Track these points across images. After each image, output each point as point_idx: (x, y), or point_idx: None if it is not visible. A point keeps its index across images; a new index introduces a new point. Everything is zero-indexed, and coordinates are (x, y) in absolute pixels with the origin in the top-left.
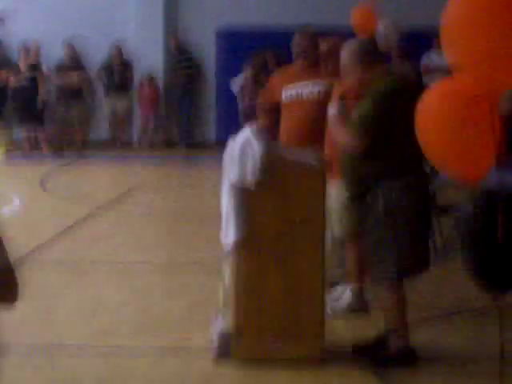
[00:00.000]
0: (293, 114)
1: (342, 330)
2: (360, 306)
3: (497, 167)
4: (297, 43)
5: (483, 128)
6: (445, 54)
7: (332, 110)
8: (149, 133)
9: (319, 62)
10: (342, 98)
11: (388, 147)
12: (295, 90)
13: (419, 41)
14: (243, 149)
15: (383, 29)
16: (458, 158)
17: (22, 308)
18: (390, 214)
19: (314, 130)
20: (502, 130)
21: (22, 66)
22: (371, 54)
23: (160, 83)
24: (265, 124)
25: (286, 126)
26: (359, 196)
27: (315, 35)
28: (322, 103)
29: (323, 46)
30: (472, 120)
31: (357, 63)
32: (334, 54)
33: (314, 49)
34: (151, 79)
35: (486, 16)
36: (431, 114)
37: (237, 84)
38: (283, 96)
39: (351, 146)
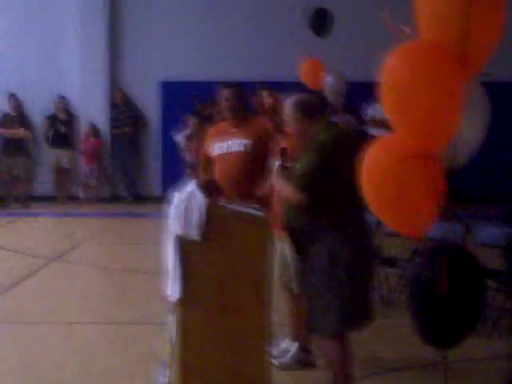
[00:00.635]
0: (220, 167)
1: (295, 382)
2: (306, 361)
3: (441, 219)
4: (224, 98)
5: (425, 183)
6: (383, 110)
7: (274, 163)
8: (93, 185)
9: (245, 114)
10: (283, 151)
11: (328, 199)
12: (222, 143)
13: (364, 93)
14: (188, 201)
15: (329, 81)
16: (400, 214)
17: None
18: (330, 267)
19: (241, 182)
20: (445, 182)
21: None
22: (312, 107)
23: (105, 135)
24: (206, 177)
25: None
26: (302, 248)
27: (241, 90)
28: (248, 156)
29: (269, 100)
30: (413, 175)
31: (297, 117)
32: (279, 107)
33: (241, 104)
34: (94, 131)
35: (423, 74)
36: (373, 168)
37: (180, 134)
38: (213, 150)
39: (292, 199)
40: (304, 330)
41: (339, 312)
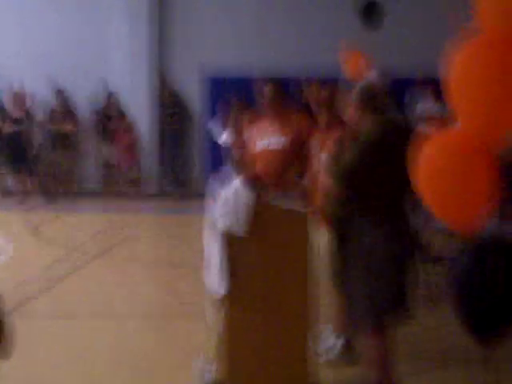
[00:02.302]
0: (261, 163)
1: (332, 379)
2: (349, 356)
3: (495, 217)
4: (264, 94)
5: (483, 179)
6: (448, 103)
7: (323, 157)
8: (135, 180)
9: (285, 111)
10: (340, 141)
11: (369, 195)
12: (263, 140)
13: (408, 88)
14: (234, 198)
15: (372, 77)
16: (455, 209)
17: (10, 360)
18: (367, 263)
19: (280, 179)
20: (502, 180)
21: (17, 112)
22: (373, 98)
23: (151, 131)
24: (251, 173)
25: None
26: (341, 243)
27: (281, 86)
28: (286, 153)
29: (323, 93)
30: (472, 171)
31: (357, 104)
32: (335, 99)
33: (281, 101)
34: (132, 126)
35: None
36: (431, 162)
37: (219, 129)
38: (255, 146)
39: (332, 190)
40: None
41: (374, 309)
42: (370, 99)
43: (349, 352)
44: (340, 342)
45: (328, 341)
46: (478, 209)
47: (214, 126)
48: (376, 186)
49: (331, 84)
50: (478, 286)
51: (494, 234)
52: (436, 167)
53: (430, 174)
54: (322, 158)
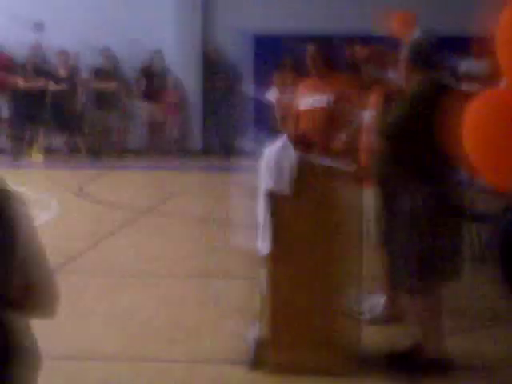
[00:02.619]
0: (305, 122)
1: (377, 339)
2: (394, 315)
3: None
4: (309, 53)
5: None
6: (494, 61)
7: (366, 115)
8: (176, 137)
9: (330, 70)
10: (388, 98)
11: (415, 153)
12: (307, 99)
13: (454, 47)
14: (279, 156)
15: (419, 36)
16: (500, 166)
17: (58, 316)
18: (412, 222)
19: (325, 137)
20: None
21: (61, 71)
22: (423, 56)
23: (195, 90)
24: (296, 131)
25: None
26: (387, 202)
27: (324, 45)
28: (331, 112)
29: (363, 52)
30: None
31: (407, 61)
32: (372, 60)
33: (324, 61)
34: (176, 83)
35: None
36: (477, 121)
37: (272, 92)
38: (300, 104)
39: (378, 147)
40: (392, 285)
41: (419, 268)
42: (420, 57)
43: (392, 310)
44: (382, 300)
45: (372, 300)
46: None
47: (258, 86)
48: (423, 145)
49: (372, 43)
50: None
51: None
52: (483, 125)
53: (476, 132)
54: (364, 115)
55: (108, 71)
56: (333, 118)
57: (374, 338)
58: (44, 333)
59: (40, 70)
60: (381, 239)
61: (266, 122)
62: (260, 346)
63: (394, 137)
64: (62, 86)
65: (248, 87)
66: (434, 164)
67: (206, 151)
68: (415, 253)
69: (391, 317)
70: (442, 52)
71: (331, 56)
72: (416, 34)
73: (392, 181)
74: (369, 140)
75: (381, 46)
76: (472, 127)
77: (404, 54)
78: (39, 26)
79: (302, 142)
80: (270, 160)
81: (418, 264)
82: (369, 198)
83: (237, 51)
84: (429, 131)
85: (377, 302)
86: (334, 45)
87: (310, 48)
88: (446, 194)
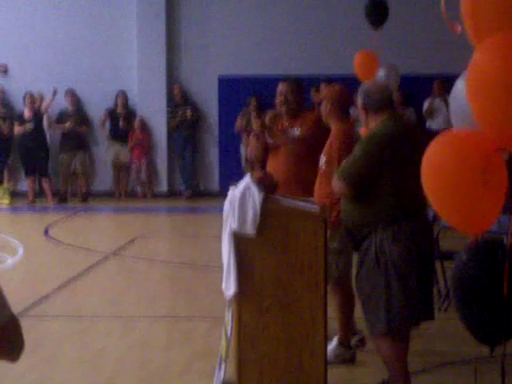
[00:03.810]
0: (272, 162)
1: (344, 380)
2: (346, 356)
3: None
4: (279, 92)
5: (496, 181)
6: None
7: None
8: (144, 180)
9: (301, 108)
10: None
11: (378, 194)
12: (275, 137)
13: (419, 86)
14: (244, 197)
15: (384, 74)
16: (464, 212)
17: (22, 361)
18: (378, 265)
19: (293, 177)
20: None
21: (27, 114)
22: (375, 99)
23: (162, 132)
24: (261, 172)
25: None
26: (356, 243)
27: (296, 84)
28: (299, 152)
29: (315, 96)
30: (487, 173)
31: (361, 106)
32: (328, 99)
33: (294, 97)
34: (142, 124)
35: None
36: (438, 162)
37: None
38: (266, 144)
39: (339, 191)
40: (345, 324)
41: (387, 311)
42: (370, 102)
43: (343, 351)
44: (336, 343)
45: (333, 342)
46: (487, 213)
47: (222, 126)
48: (387, 185)
49: (336, 83)
50: (477, 287)
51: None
52: (444, 167)
53: (437, 173)
54: (322, 159)
55: (73, 113)
56: (301, 159)
57: (340, 378)
58: (9, 379)
59: (5, 113)
60: (343, 281)
61: (232, 163)
62: None
63: (347, 179)
64: (28, 129)
65: (213, 127)
66: (400, 204)
67: (172, 193)
68: (380, 296)
69: (343, 358)
70: (407, 90)
71: (301, 95)
72: (380, 74)
73: (360, 222)
74: (333, 183)
75: (336, 88)
76: (431, 170)
77: (357, 99)
78: (3, 69)
79: (266, 183)
80: (235, 201)
81: (383, 308)
82: (334, 239)
83: (202, 92)
84: (393, 169)
85: (337, 344)
86: (304, 85)
87: (284, 86)
88: (414, 234)
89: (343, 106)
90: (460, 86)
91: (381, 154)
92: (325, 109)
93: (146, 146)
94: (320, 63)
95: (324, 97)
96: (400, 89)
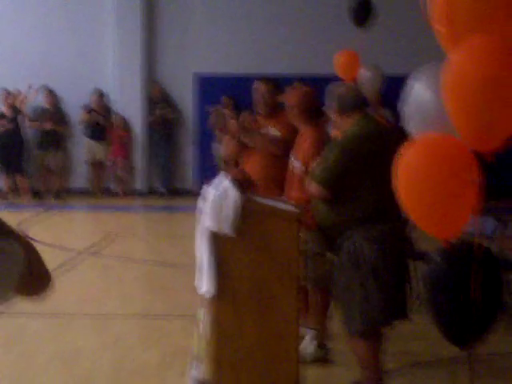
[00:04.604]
0: (248, 162)
1: (321, 380)
2: (320, 355)
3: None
4: (256, 92)
5: (469, 185)
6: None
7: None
8: (121, 178)
9: (277, 108)
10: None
11: (352, 195)
12: (252, 137)
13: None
14: (221, 196)
15: (364, 74)
16: (436, 218)
17: None
18: (353, 266)
19: (268, 178)
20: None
21: (5, 111)
22: (346, 101)
23: (140, 129)
24: (239, 171)
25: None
26: (330, 244)
27: (272, 85)
28: (275, 150)
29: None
30: (450, 176)
31: (335, 109)
32: (294, 105)
33: (269, 98)
34: (122, 123)
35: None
36: (408, 167)
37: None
38: (243, 143)
39: (317, 195)
40: (320, 323)
41: (362, 312)
42: (345, 103)
43: (320, 351)
44: (310, 341)
45: (306, 341)
46: (459, 217)
47: (200, 125)
48: (361, 186)
49: (317, 83)
50: (447, 288)
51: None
52: (417, 173)
53: (410, 179)
54: (293, 162)
55: (50, 111)
56: (278, 159)
57: (315, 378)
58: None
59: None
60: (321, 282)
61: (209, 161)
62: None
63: (321, 181)
64: (7, 126)
65: (189, 125)
66: (374, 205)
67: (150, 191)
68: (355, 297)
69: (317, 357)
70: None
71: (277, 95)
72: (362, 74)
73: (332, 223)
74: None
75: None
76: (403, 173)
77: (330, 103)
78: None
79: (244, 182)
80: (213, 200)
81: (358, 309)
82: (310, 240)
83: (178, 90)
84: (364, 172)
85: (310, 342)
86: (283, 85)
87: (261, 85)
88: (389, 235)
89: (309, 109)
90: (417, 87)
91: (356, 153)
92: (291, 114)
93: (124, 144)
94: (299, 63)
95: (289, 103)
96: (381, 89)
